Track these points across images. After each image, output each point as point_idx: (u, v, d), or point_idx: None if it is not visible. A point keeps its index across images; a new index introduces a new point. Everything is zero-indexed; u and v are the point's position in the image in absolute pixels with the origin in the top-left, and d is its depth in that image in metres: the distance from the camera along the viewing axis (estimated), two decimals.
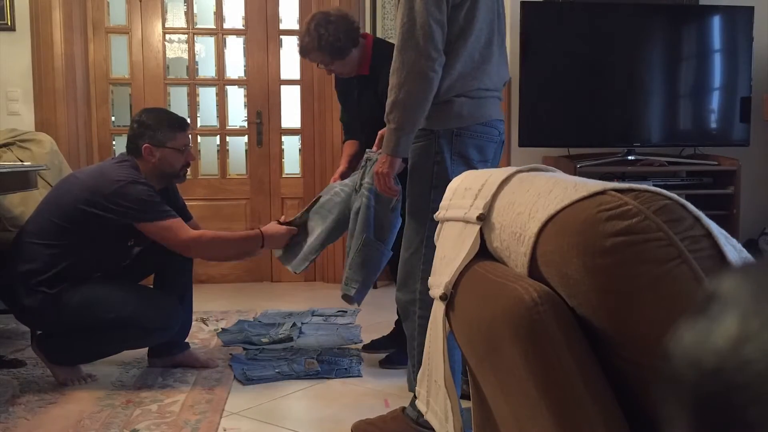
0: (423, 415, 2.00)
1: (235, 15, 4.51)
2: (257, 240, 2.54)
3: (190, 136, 2.68)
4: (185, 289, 2.71)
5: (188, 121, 2.67)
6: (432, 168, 1.97)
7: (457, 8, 1.92)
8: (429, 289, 1.96)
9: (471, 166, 1.96)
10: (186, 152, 2.61)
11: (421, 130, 1.96)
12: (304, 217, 2.60)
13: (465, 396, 1.21)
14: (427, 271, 1.98)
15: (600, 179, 0.97)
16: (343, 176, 2.72)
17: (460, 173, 1.96)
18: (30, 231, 2.50)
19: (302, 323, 3.35)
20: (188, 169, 2.69)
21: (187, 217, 2.69)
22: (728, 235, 0.75)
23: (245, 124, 4.52)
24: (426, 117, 1.93)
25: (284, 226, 2.57)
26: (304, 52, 2.66)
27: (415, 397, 2.05)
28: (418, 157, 2.00)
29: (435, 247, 1.95)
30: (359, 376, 2.61)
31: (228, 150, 4.58)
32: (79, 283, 2.46)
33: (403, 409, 2.04)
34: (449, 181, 1.96)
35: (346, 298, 2.42)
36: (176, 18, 4.45)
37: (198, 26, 4.46)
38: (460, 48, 1.94)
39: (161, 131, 2.55)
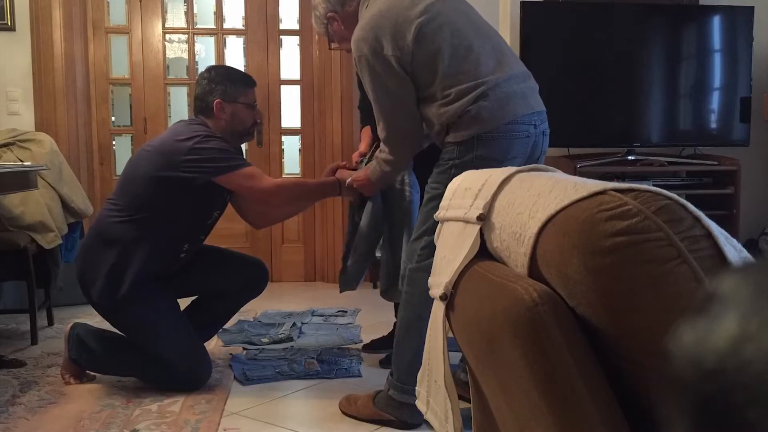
0: (393, 388, 2.09)
1: (235, 15, 4.51)
2: (335, 187, 2.45)
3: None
4: (222, 318, 2.76)
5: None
6: (451, 173, 2.00)
7: (416, 55, 1.99)
8: (421, 269, 2.03)
9: (496, 167, 1.99)
10: (255, 110, 2.56)
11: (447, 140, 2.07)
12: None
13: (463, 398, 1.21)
14: (425, 253, 2.06)
15: (600, 179, 0.97)
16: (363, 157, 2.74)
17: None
18: (107, 211, 2.45)
19: (302, 323, 3.35)
20: (255, 128, 2.61)
21: None
22: (728, 235, 0.75)
23: None
24: (445, 131, 2.04)
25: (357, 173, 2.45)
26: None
27: (390, 372, 2.13)
28: (443, 165, 2.07)
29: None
30: (359, 376, 2.61)
31: None
32: (151, 291, 2.42)
33: (377, 393, 2.17)
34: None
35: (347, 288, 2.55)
36: (176, 18, 4.45)
37: (198, 26, 4.46)
38: (446, 76, 2.00)
39: (233, 86, 2.49)
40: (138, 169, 2.42)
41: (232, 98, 2.48)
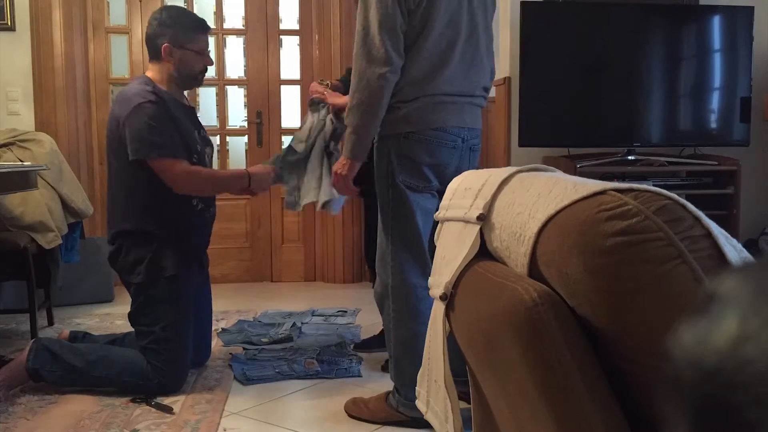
0: (402, 405, 2.07)
1: (235, 15, 4.51)
2: (243, 178, 2.46)
3: (210, 38, 2.57)
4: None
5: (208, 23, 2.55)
6: (386, 168, 2.07)
7: (412, 13, 1.97)
8: (401, 284, 2.02)
9: (418, 168, 2.05)
10: (205, 56, 2.52)
11: (379, 133, 2.06)
12: (285, 161, 2.53)
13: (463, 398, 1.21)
14: (396, 266, 2.05)
15: (600, 179, 0.97)
16: None
17: (409, 174, 2.04)
18: (108, 183, 2.52)
19: (302, 323, 3.35)
20: (205, 74, 2.58)
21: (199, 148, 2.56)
22: (728, 235, 0.75)
23: (245, 124, 4.52)
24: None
25: (269, 167, 2.50)
26: None
27: (395, 388, 2.11)
28: (377, 158, 2.10)
29: (405, 241, 2.03)
30: (359, 376, 2.62)
31: (228, 150, 4.58)
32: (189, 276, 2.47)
33: (388, 394, 2.16)
34: (397, 181, 2.04)
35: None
36: None
37: None
38: (415, 53, 1.99)
39: (183, 31, 2.44)
40: (108, 136, 2.47)
41: (181, 44, 2.44)
